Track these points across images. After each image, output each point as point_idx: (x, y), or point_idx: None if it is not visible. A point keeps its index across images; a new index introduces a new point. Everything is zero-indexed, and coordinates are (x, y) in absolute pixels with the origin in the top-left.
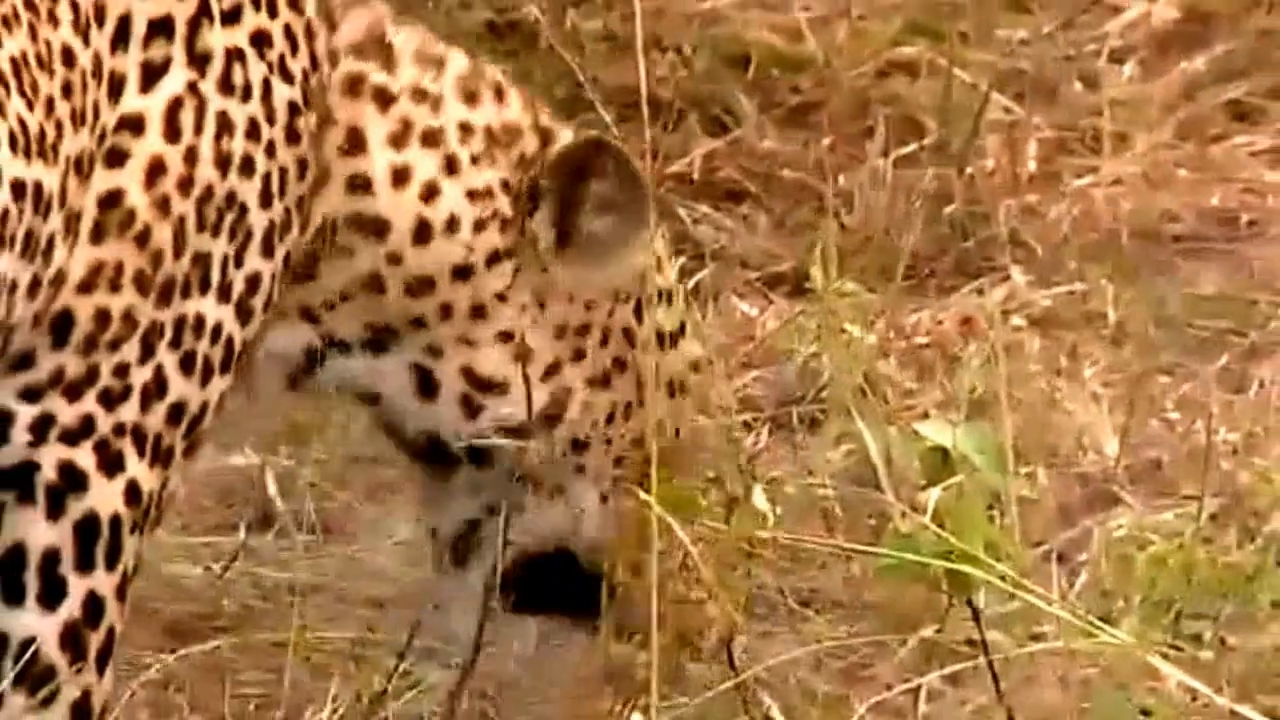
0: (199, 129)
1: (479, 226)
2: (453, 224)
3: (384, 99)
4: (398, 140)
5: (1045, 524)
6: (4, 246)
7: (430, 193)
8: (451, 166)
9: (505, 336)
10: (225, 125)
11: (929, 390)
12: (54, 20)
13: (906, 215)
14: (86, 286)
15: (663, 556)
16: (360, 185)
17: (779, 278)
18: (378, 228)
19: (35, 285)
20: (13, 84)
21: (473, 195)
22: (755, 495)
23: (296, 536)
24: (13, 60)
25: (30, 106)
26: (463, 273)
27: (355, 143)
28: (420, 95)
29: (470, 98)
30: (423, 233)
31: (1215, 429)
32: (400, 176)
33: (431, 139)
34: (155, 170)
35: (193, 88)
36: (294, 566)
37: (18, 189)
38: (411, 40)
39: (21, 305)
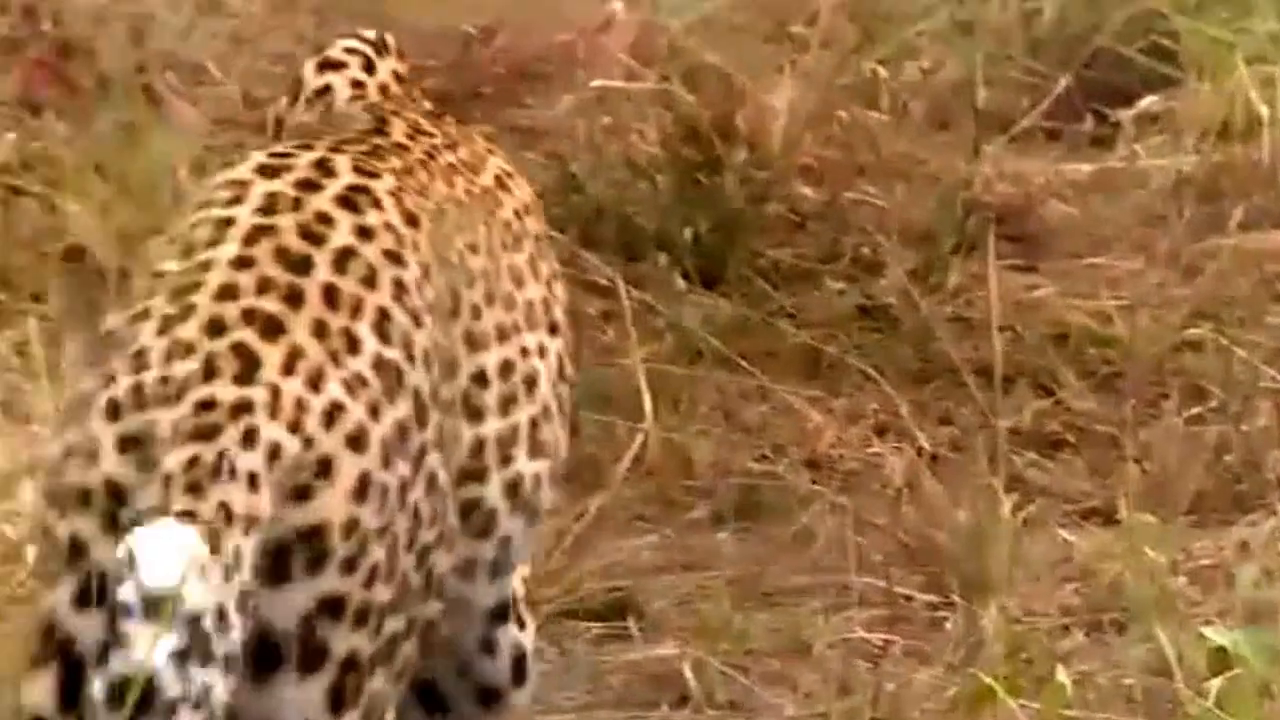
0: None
1: None
2: None
3: None
4: None
5: None
6: (486, 415)
7: None
8: None
9: None
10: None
11: (1212, 602)
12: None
13: (1194, 463)
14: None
15: None
16: None
17: (1092, 511)
18: None
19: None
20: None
21: None
22: (1058, 673)
23: (707, 712)
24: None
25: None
26: None
27: None
28: None
29: None
30: None
31: None
32: None
33: None
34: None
35: None
36: None
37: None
38: None
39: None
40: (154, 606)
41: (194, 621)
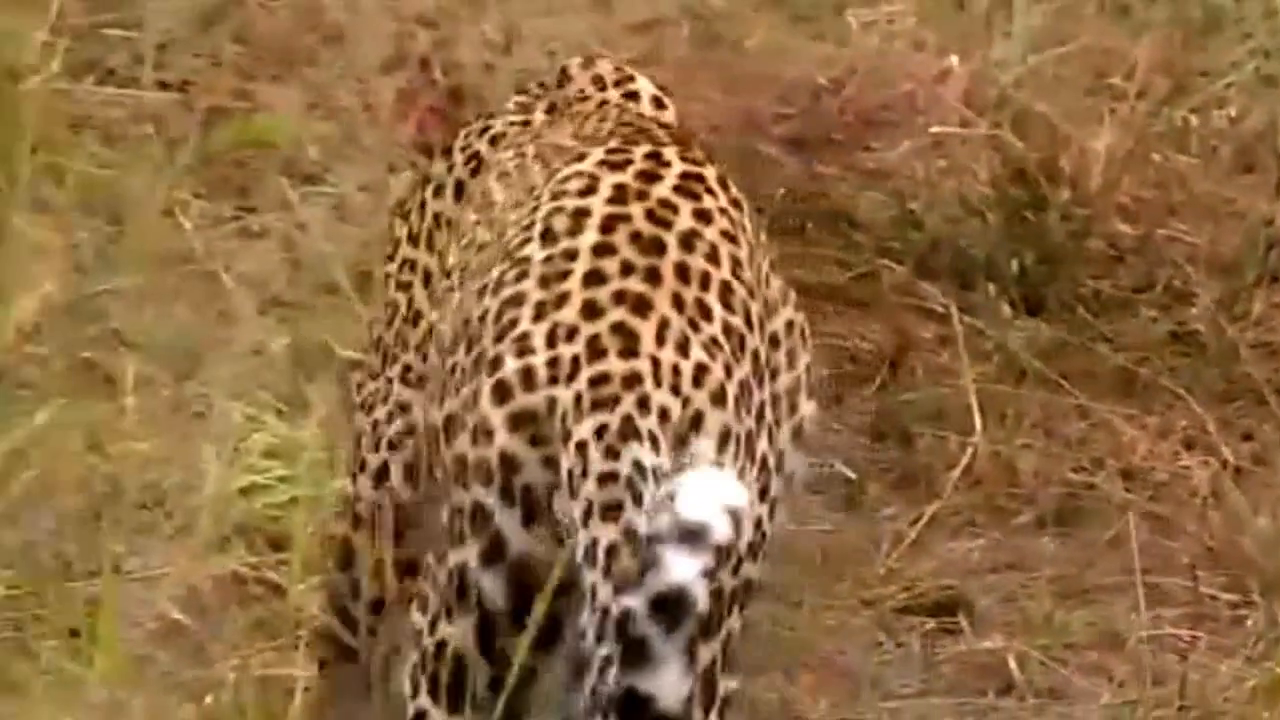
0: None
1: None
2: None
3: None
4: None
5: None
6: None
7: None
8: None
9: None
10: None
11: None
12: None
13: None
14: None
15: None
16: None
17: None
18: None
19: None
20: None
21: None
22: None
23: (1029, 699)
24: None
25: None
26: None
27: None
28: None
29: None
30: None
31: None
32: None
33: None
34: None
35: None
36: None
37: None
38: None
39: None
40: (690, 535)
41: (718, 550)
